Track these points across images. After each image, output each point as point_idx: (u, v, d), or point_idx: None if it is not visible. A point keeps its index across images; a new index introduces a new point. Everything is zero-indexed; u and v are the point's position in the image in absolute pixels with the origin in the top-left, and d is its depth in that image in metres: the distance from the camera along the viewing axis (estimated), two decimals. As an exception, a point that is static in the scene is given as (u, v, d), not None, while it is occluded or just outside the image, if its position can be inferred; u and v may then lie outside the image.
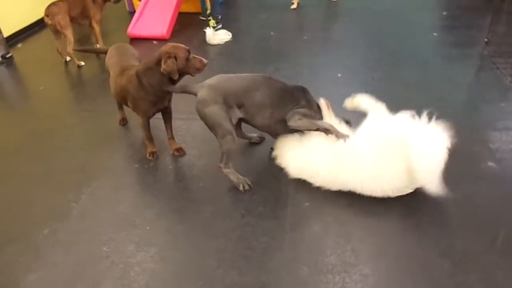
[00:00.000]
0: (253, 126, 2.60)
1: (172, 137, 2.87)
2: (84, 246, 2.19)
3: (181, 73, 2.53)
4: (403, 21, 4.91)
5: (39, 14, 5.34)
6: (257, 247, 2.12)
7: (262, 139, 2.94)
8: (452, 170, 2.21)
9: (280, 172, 2.60)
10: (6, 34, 4.81)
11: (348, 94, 2.63)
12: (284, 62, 4.13)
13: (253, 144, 2.91)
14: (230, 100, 2.42)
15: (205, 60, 2.55)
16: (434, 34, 4.54)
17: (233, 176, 2.50)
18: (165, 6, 5.07)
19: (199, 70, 2.56)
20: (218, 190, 2.53)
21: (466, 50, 4.14)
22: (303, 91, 2.60)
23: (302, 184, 2.50)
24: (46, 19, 4.18)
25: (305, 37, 4.71)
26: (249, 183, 2.50)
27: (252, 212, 2.34)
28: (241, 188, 2.48)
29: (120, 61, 2.72)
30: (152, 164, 2.80)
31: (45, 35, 5.22)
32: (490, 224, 2.16)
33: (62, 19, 4.11)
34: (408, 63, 3.95)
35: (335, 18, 5.45)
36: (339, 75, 3.81)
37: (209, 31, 4.65)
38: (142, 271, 2.02)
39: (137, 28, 4.99)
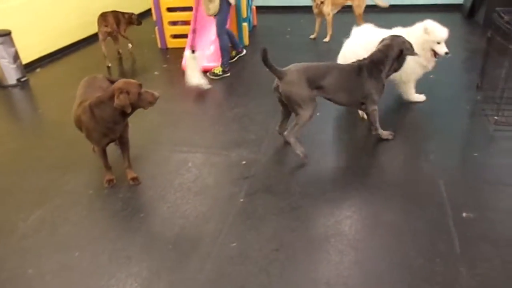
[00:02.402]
0: (337, 103, 3.19)
1: (128, 166, 2.97)
2: (12, 265, 2.30)
3: (134, 107, 2.66)
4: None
5: (59, 43, 5.86)
6: None
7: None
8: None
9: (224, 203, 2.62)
10: (28, 59, 5.31)
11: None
12: (266, 97, 4.16)
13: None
14: (311, 83, 2.94)
15: (157, 94, 2.67)
16: (431, 76, 4.38)
17: (296, 146, 3.01)
18: (215, 40, 4.86)
19: (151, 103, 2.68)
20: (153, 221, 2.57)
21: (460, 93, 3.96)
22: (363, 65, 3.06)
23: (241, 222, 2.49)
24: (104, 28, 5.17)
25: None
26: (306, 153, 3.02)
27: (177, 248, 2.35)
28: (302, 156, 3.01)
29: (83, 93, 2.89)
30: (106, 191, 2.90)
31: (63, 62, 5.67)
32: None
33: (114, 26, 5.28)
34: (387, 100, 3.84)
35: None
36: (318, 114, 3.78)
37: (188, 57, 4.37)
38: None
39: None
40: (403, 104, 3.81)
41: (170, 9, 5.73)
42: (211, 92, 4.46)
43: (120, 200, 2.79)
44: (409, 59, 3.25)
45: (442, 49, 3.45)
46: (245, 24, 5.73)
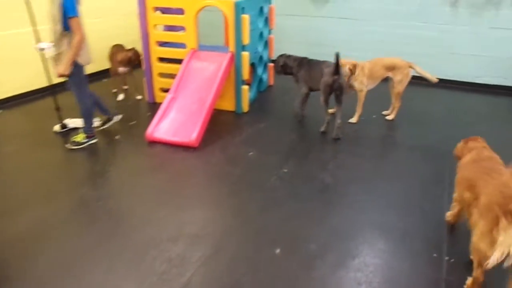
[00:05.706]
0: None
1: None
2: None
3: None
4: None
5: (34, 85, 5.12)
6: None
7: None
8: None
9: None
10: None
11: None
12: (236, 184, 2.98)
13: None
14: None
15: None
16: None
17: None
18: (196, 107, 4.09)
19: None
20: None
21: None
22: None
23: None
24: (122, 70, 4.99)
25: (285, 170, 3.49)
26: None
27: None
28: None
29: None
30: None
31: (32, 107, 4.93)
32: None
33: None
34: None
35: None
36: (277, 251, 2.52)
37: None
38: None
39: (159, 130, 4.00)
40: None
41: (162, 59, 4.84)
42: (175, 164, 3.37)
43: None
44: None
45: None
46: (245, 87, 4.63)
